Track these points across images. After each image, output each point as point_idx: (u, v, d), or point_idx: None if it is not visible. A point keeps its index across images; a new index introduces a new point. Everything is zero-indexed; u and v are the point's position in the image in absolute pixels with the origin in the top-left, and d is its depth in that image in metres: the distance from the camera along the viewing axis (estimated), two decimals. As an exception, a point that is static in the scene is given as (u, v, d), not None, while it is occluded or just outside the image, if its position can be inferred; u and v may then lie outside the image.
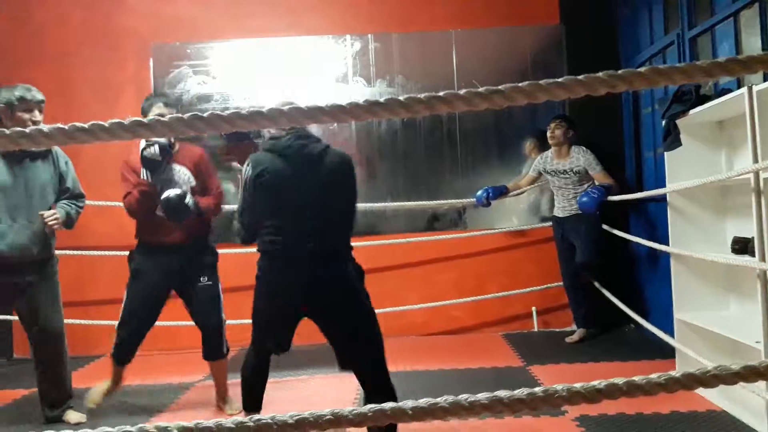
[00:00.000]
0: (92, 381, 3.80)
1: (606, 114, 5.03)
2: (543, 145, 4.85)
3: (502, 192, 4.66)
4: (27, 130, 0.99)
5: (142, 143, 3.15)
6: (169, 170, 3.19)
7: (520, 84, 1.00)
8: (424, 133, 5.17)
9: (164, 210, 3.08)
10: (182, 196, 3.06)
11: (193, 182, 3.22)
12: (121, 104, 5.06)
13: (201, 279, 3.22)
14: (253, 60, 5.12)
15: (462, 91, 1.01)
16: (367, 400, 2.45)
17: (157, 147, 3.10)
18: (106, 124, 1.00)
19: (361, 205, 4.98)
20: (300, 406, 3.23)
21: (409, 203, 5.07)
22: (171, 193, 3.06)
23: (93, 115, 5.02)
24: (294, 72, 5.13)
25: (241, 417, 2.74)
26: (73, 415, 3.21)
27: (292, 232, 2.43)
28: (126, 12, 5.11)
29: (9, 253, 3.01)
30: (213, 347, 3.25)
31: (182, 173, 3.22)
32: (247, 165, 2.51)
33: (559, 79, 1.01)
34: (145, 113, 3.16)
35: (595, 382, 1.14)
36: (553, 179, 4.60)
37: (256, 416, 1.14)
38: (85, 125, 1.00)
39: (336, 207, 2.50)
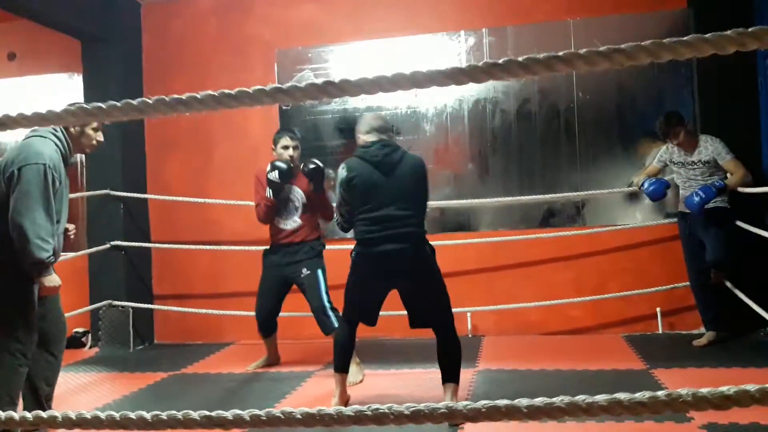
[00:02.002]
0: (223, 366, 4.09)
1: (740, 101, 4.65)
2: (655, 144, 4.62)
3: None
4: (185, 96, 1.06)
5: (269, 166, 3.91)
6: (287, 190, 3.96)
7: (642, 43, 1.01)
8: (540, 125, 5.05)
9: (305, 171, 3.92)
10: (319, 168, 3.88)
11: (304, 200, 3.98)
12: (250, 109, 5.37)
13: (303, 271, 3.94)
14: (369, 61, 5.24)
15: (582, 51, 1.03)
16: (439, 347, 3.12)
17: (277, 172, 3.84)
18: (250, 91, 1.13)
19: (475, 201, 5.01)
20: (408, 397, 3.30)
21: (527, 197, 4.96)
22: (311, 163, 3.89)
23: (227, 119, 5.40)
24: (409, 71, 5.17)
25: (339, 398, 3.22)
26: None
27: (380, 222, 3.04)
28: (253, 20, 5.41)
29: (55, 259, 2.87)
30: (321, 325, 3.87)
31: (297, 193, 4.00)
32: (342, 169, 3.14)
33: (684, 38, 1.01)
34: (275, 143, 4.03)
35: (723, 388, 1.09)
36: (679, 171, 4.33)
37: (374, 405, 1.20)
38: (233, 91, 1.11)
39: (413, 201, 3.11)
